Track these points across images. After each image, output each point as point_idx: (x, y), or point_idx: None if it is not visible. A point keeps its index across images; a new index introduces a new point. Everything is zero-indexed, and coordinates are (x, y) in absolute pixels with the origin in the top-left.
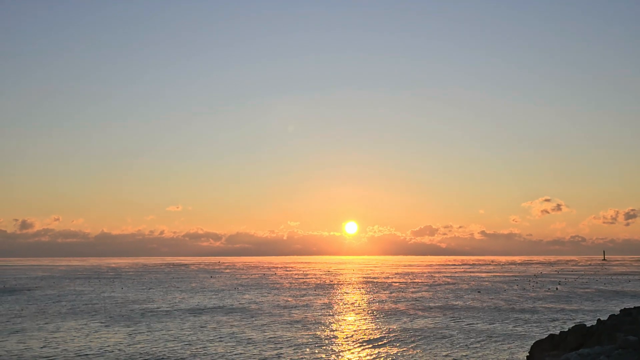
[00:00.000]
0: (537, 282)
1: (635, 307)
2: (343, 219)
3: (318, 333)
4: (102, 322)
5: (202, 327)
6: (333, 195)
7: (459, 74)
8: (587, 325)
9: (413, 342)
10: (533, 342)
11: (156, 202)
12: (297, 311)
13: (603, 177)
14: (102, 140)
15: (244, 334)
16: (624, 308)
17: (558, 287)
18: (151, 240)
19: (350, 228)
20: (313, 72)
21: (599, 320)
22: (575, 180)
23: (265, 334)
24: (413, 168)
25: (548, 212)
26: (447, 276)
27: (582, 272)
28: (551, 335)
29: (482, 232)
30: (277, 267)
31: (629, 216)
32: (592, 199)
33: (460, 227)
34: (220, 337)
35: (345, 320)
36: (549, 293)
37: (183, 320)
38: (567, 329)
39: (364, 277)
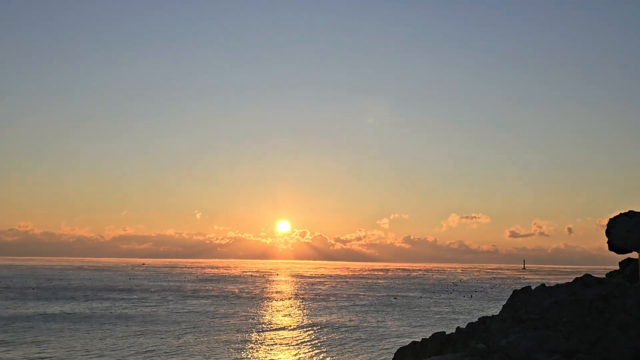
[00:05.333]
0: (454, 289)
1: (491, 316)
2: (272, 224)
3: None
4: None
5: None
6: (263, 199)
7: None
8: (447, 333)
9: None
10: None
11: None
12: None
13: (517, 194)
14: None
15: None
16: (482, 316)
17: (473, 294)
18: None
19: (279, 232)
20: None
21: (457, 328)
22: (496, 195)
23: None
24: (341, 173)
25: (470, 221)
26: (367, 284)
27: (501, 280)
28: (413, 343)
29: (407, 239)
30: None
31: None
32: (511, 212)
33: (384, 234)
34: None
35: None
36: (462, 300)
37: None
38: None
39: (269, 284)
